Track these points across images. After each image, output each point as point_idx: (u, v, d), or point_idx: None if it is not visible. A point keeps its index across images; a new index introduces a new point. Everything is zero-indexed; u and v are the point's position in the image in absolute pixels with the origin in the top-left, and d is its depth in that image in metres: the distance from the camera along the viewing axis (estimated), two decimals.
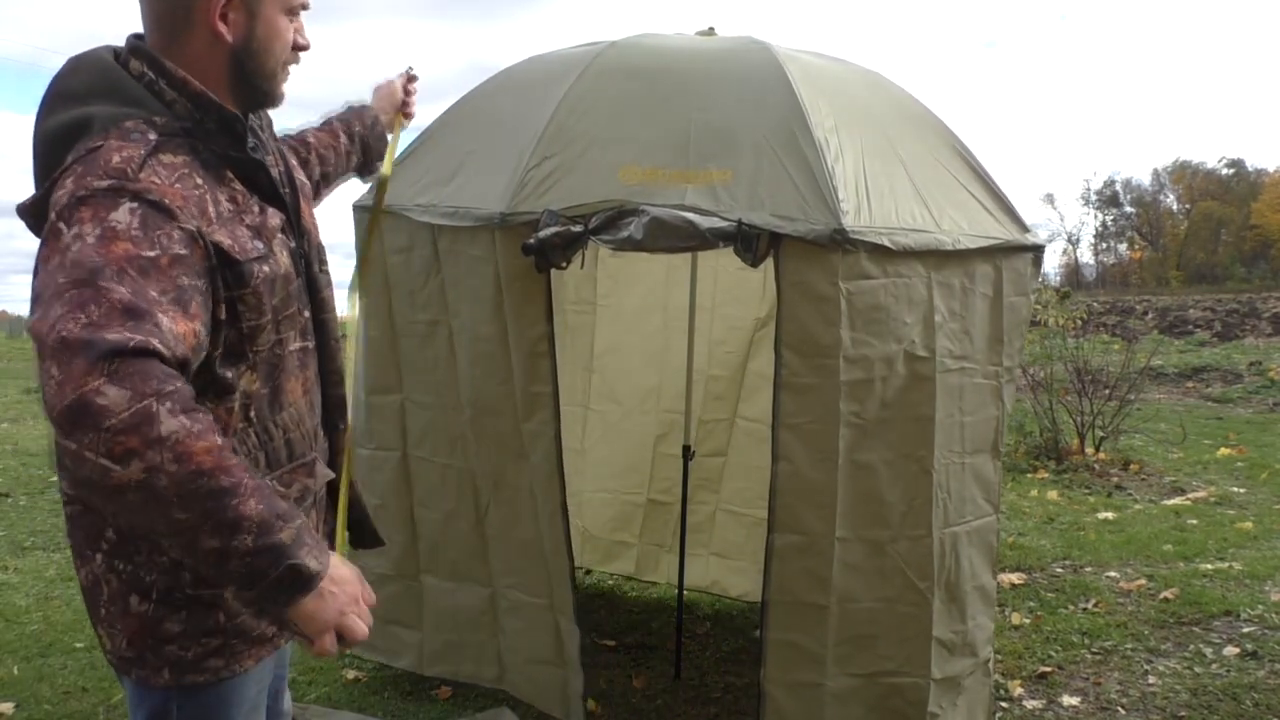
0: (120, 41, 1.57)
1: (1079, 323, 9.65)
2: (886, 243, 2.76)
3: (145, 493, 1.21)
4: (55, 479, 3.06)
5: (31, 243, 1.41)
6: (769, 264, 2.77)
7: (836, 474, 2.82)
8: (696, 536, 4.46)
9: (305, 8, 1.64)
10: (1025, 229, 3.29)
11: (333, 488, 1.81)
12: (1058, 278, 46.48)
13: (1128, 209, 58.70)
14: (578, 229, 2.78)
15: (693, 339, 3.98)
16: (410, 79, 2.41)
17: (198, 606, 1.52)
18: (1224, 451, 8.63)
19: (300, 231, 1.69)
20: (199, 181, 1.45)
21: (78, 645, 4.08)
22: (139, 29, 1.56)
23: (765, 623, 2.92)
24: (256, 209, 1.56)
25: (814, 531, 2.86)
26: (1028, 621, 4.47)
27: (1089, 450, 8.08)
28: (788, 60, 3.13)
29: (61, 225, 1.32)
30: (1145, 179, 65.50)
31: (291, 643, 1.73)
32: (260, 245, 1.52)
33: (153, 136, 1.43)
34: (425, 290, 3.24)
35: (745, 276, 4.08)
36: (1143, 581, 4.99)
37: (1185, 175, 56.32)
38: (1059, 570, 5.29)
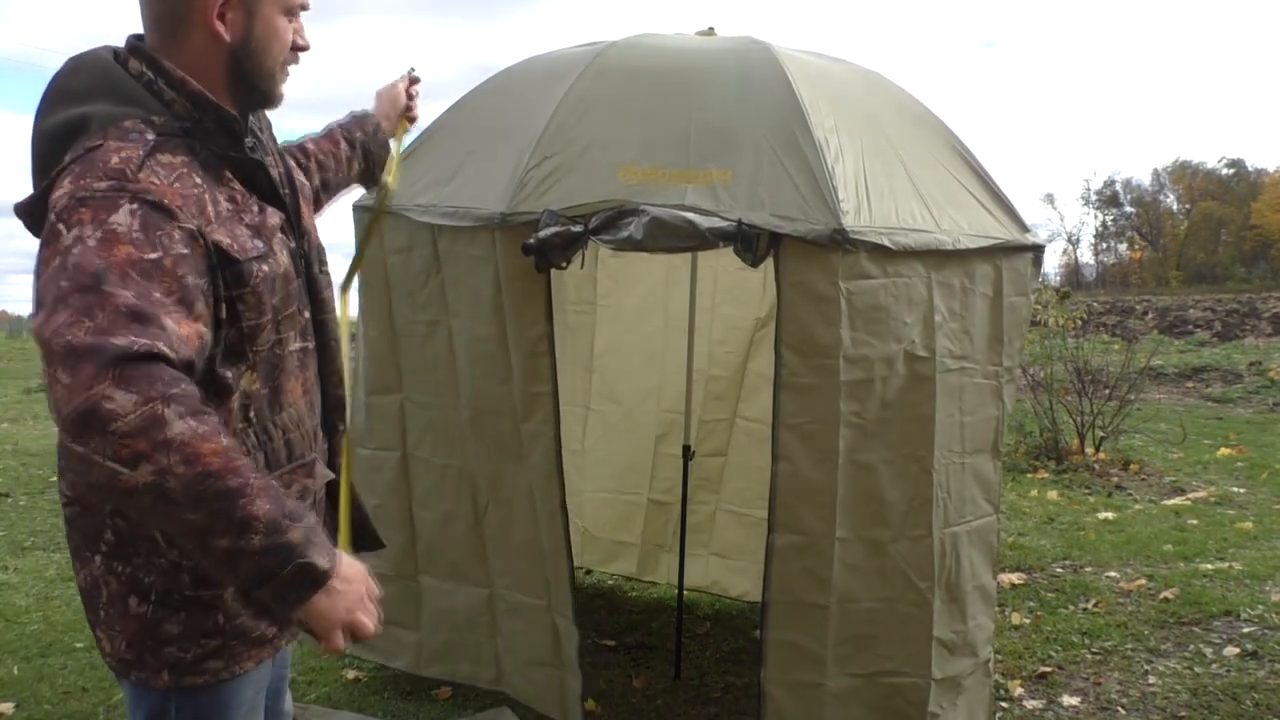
0: (120, 42, 1.57)
1: (1079, 323, 9.65)
2: (886, 243, 2.76)
3: (155, 495, 1.23)
4: (55, 479, 3.06)
5: (31, 243, 1.41)
6: (769, 264, 2.77)
7: (836, 474, 2.82)
8: (696, 536, 4.46)
9: (305, 8, 1.63)
10: (1025, 229, 3.29)
11: (332, 489, 1.81)
12: (1058, 278, 46.52)
13: (1128, 209, 58.76)
14: (578, 229, 2.78)
15: (693, 339, 3.98)
16: (412, 81, 2.40)
17: (197, 608, 1.52)
18: (1224, 451, 8.63)
19: (300, 232, 1.69)
20: (197, 181, 1.45)
21: (78, 645, 4.07)
22: (139, 29, 1.56)
23: (765, 623, 2.92)
24: (256, 208, 1.56)
25: (814, 531, 2.86)
26: (1028, 621, 4.47)
27: (1089, 450, 8.07)
28: (788, 60, 3.13)
29: (61, 226, 1.33)
30: (1145, 179, 65.60)
31: (292, 643, 1.73)
32: (260, 244, 1.52)
33: (151, 136, 1.43)
34: (425, 290, 3.24)
35: (745, 276, 4.08)
36: (1143, 581, 4.99)
37: (1185, 175, 56.34)
38: (1059, 570, 5.29)
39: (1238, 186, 53.54)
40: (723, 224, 2.68)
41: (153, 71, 1.51)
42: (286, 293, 1.58)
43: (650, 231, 2.67)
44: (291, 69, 1.65)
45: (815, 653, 2.92)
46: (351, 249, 3.38)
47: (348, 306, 2.30)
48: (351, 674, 3.77)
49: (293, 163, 1.82)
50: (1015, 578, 5.06)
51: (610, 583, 4.93)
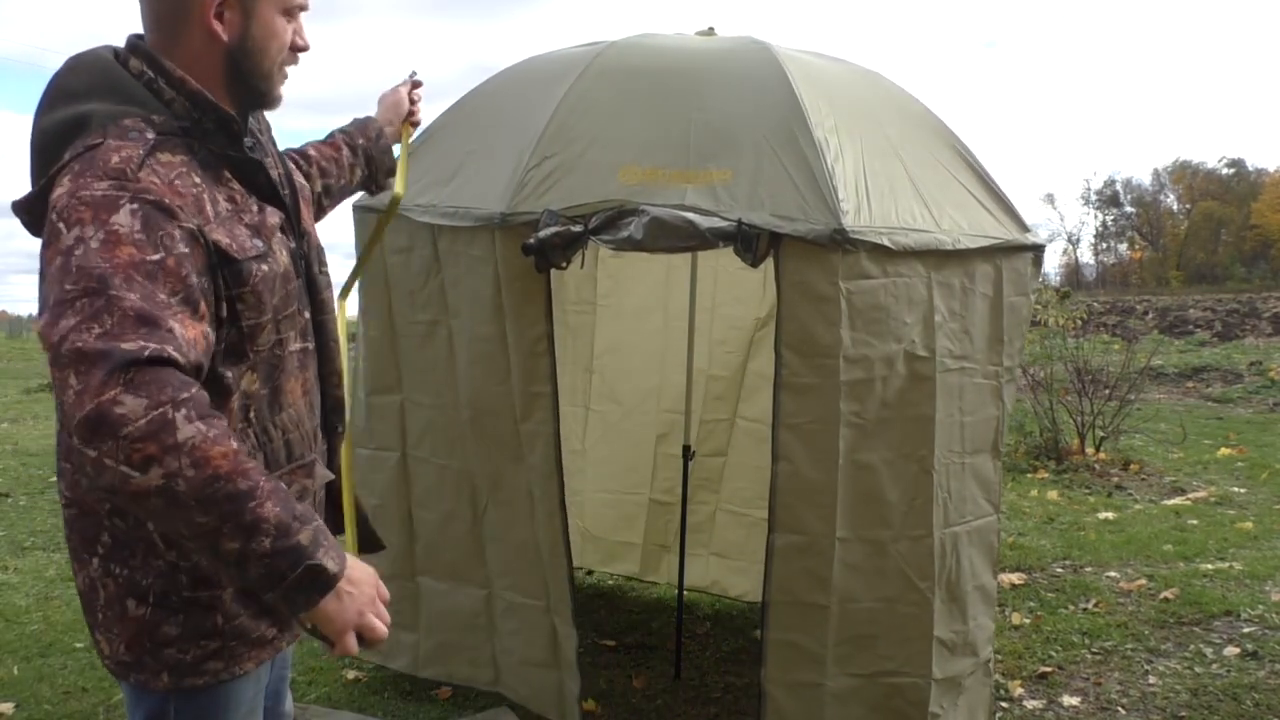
0: (120, 41, 1.57)
1: (1079, 323, 9.65)
2: (886, 242, 2.76)
3: (165, 498, 1.24)
4: (55, 479, 3.06)
5: (31, 243, 1.42)
6: (769, 264, 2.77)
7: (837, 474, 2.82)
8: (697, 536, 4.46)
9: (304, 8, 1.63)
10: (1025, 229, 3.29)
11: (331, 490, 1.81)
12: (1058, 278, 46.52)
13: (1128, 209, 58.74)
14: (578, 229, 2.78)
15: (693, 339, 3.98)
16: (415, 85, 2.40)
17: (195, 609, 1.52)
18: (1224, 451, 8.62)
19: (300, 233, 1.69)
20: (197, 180, 1.45)
21: (78, 645, 4.07)
22: (139, 29, 1.56)
23: (765, 623, 2.92)
24: (255, 208, 1.55)
25: (814, 531, 2.86)
26: (1028, 621, 4.47)
27: (1089, 450, 8.07)
28: (788, 60, 3.13)
29: (61, 225, 1.33)
30: (1145, 179, 65.57)
31: (293, 644, 1.73)
32: (259, 244, 1.52)
33: (151, 135, 1.43)
34: (425, 290, 3.24)
35: (745, 276, 4.07)
36: (1143, 581, 4.99)
37: (1185, 175, 56.32)
38: (1059, 570, 5.29)
39: (1238, 186, 53.53)
40: (723, 224, 2.68)
41: (153, 70, 1.51)
42: (286, 292, 1.58)
43: (650, 231, 2.67)
44: (291, 69, 1.65)
45: (815, 653, 2.92)
46: (352, 249, 3.39)
47: (346, 309, 2.30)
48: (351, 674, 3.77)
49: (293, 165, 1.82)
50: (1015, 578, 5.06)
51: (610, 583, 4.93)
